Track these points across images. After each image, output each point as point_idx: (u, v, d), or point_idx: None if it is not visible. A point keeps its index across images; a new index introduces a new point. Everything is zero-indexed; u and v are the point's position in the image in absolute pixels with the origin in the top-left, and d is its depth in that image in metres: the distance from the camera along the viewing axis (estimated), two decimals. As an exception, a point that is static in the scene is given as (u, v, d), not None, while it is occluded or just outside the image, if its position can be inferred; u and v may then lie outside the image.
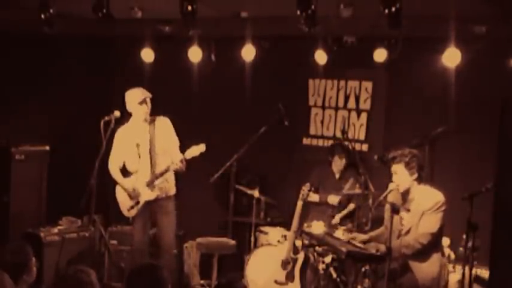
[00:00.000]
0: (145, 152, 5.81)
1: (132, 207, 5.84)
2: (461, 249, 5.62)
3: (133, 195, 5.81)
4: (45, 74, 7.32)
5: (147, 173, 5.81)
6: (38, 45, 6.92)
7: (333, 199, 6.62)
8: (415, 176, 4.81)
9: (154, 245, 6.13)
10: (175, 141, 5.91)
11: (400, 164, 4.81)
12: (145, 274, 3.26)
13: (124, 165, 5.93)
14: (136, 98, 5.76)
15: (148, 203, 5.81)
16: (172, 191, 5.94)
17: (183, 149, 5.80)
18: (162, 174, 5.77)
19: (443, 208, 4.74)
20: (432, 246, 4.76)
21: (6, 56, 6.86)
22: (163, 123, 5.91)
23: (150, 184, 5.78)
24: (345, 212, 6.64)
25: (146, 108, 5.78)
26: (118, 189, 5.95)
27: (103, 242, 6.11)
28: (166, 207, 5.88)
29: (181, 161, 5.63)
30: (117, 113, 5.62)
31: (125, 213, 5.92)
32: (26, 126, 7.04)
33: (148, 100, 5.80)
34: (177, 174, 5.89)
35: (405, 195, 4.87)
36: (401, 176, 4.82)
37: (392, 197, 4.91)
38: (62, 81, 7.49)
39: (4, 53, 6.85)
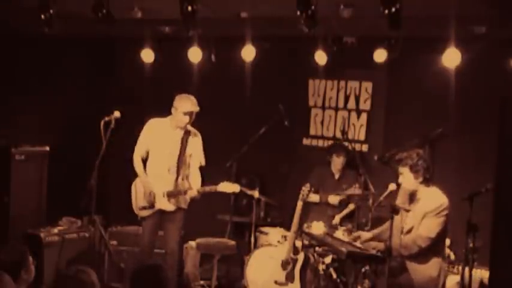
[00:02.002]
0: (173, 160, 5.76)
1: (144, 208, 5.80)
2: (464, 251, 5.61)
3: (150, 198, 5.74)
4: (45, 74, 7.32)
5: (171, 181, 5.75)
6: (38, 45, 6.93)
7: (334, 199, 6.63)
8: (421, 179, 4.79)
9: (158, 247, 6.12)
10: (199, 160, 5.87)
11: (406, 167, 4.80)
12: (149, 274, 3.28)
13: (146, 158, 5.85)
14: (184, 108, 5.65)
15: (161, 211, 5.79)
16: (186, 204, 5.91)
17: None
18: (185, 192, 5.76)
19: (445, 213, 4.71)
20: (431, 250, 4.75)
21: (6, 56, 6.86)
22: (197, 138, 5.86)
23: (171, 196, 5.75)
24: (344, 212, 6.64)
25: (188, 120, 5.68)
26: (137, 183, 5.87)
27: (103, 243, 6.10)
28: (178, 217, 5.86)
29: (198, 192, 5.69)
30: (117, 114, 5.60)
31: (136, 210, 5.88)
32: (26, 126, 7.04)
33: (194, 114, 5.70)
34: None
35: (412, 196, 4.88)
36: (406, 179, 4.82)
37: (399, 197, 4.91)
38: (62, 81, 7.50)
39: (4, 53, 6.85)
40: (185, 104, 5.68)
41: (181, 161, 5.76)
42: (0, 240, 6.12)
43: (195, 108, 5.70)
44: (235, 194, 6.83)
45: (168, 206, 5.77)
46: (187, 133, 5.80)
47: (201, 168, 5.91)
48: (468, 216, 4.84)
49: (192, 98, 5.73)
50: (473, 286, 5.22)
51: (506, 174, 4.65)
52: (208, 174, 6.50)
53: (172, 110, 5.74)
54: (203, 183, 5.86)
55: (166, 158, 5.76)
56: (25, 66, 7.08)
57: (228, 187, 5.74)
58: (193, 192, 5.73)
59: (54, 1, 5.20)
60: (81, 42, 7.37)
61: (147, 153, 5.84)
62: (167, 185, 5.76)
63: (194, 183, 5.79)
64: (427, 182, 4.82)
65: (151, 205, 5.77)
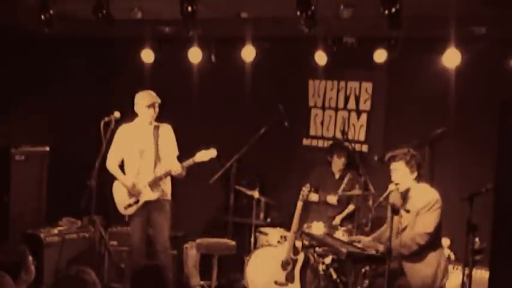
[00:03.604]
0: (149, 154, 5.84)
1: (130, 205, 5.84)
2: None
3: (133, 192, 5.81)
4: (45, 74, 7.32)
5: (149, 175, 5.82)
6: (38, 45, 6.93)
7: (332, 198, 6.62)
8: (415, 174, 4.82)
9: (150, 246, 6.14)
10: (175, 150, 5.96)
11: (401, 161, 4.82)
12: (149, 274, 3.27)
13: (122, 163, 5.95)
14: (145, 101, 5.80)
15: (146, 203, 5.83)
16: (170, 195, 5.97)
17: (187, 151, 5.84)
18: (165, 176, 5.81)
19: (437, 206, 4.72)
20: (429, 246, 4.76)
21: (6, 56, 6.86)
22: (167, 130, 5.96)
23: (153, 185, 5.79)
24: (345, 213, 6.64)
25: (153, 113, 5.83)
26: (116, 185, 5.96)
27: (103, 243, 6.10)
28: (163, 207, 5.90)
29: (182, 168, 5.71)
30: (117, 114, 5.63)
31: (122, 211, 5.92)
32: (26, 127, 7.04)
33: (156, 105, 5.83)
34: (174, 178, 5.94)
35: (405, 194, 4.88)
36: (401, 174, 4.82)
37: (393, 197, 4.91)
38: (62, 82, 7.50)
39: (4, 53, 6.85)
40: (145, 98, 5.82)
41: (156, 153, 5.83)
42: (0, 240, 6.12)
43: (156, 99, 5.83)
44: (235, 195, 6.85)
45: (152, 195, 5.80)
46: (156, 127, 5.90)
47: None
48: (468, 217, 4.84)
49: (151, 91, 5.86)
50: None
51: (506, 174, 4.66)
52: (208, 173, 6.53)
53: (137, 109, 5.85)
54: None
55: (142, 154, 5.84)
56: (25, 66, 7.07)
57: (205, 155, 5.70)
58: (176, 169, 5.71)
59: (54, 1, 5.21)
60: (81, 42, 7.37)
61: (122, 160, 5.93)
62: (147, 178, 5.81)
63: (175, 167, 5.79)
64: (419, 178, 4.84)
65: (136, 200, 5.81)
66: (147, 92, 5.87)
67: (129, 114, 5.89)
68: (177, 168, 5.71)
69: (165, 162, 5.86)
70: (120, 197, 5.92)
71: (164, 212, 5.90)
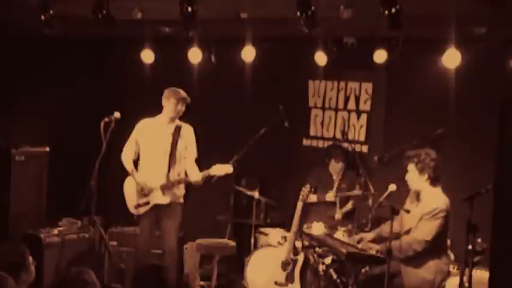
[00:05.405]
0: (165, 154, 5.79)
1: (139, 205, 5.81)
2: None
3: (145, 192, 5.77)
4: (45, 75, 7.33)
5: (162, 175, 5.77)
6: (38, 46, 6.93)
7: (330, 195, 6.59)
8: (426, 177, 4.81)
9: (156, 248, 6.14)
10: (194, 152, 5.93)
11: (412, 164, 4.83)
12: (151, 275, 3.27)
13: (137, 159, 5.92)
14: (178, 95, 5.79)
15: (157, 206, 5.80)
16: (182, 199, 5.94)
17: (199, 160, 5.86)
18: (179, 182, 5.79)
19: (441, 215, 4.71)
20: (428, 253, 4.74)
21: (6, 57, 6.86)
22: (188, 131, 5.92)
23: (165, 189, 5.76)
24: (345, 209, 6.61)
25: (180, 109, 5.80)
26: (127, 182, 5.91)
27: (103, 243, 6.11)
28: (174, 212, 5.86)
29: (202, 178, 5.70)
30: (117, 114, 5.62)
31: (131, 209, 5.89)
32: (26, 127, 7.05)
33: (185, 103, 5.83)
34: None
35: (418, 196, 4.89)
36: (411, 175, 4.85)
37: (409, 196, 4.94)
38: (62, 82, 7.50)
39: (4, 54, 6.85)
40: (179, 92, 5.81)
41: (173, 154, 5.79)
42: (0, 240, 6.12)
43: (187, 98, 5.82)
44: (235, 195, 6.86)
45: (163, 199, 5.76)
46: (178, 127, 5.86)
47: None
48: (468, 217, 4.84)
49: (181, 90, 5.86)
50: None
51: (506, 174, 4.65)
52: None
53: (164, 102, 5.82)
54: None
55: (158, 154, 5.80)
56: (25, 67, 7.09)
57: (220, 169, 5.72)
58: (196, 179, 5.70)
59: (54, 2, 5.21)
60: (81, 43, 7.38)
61: (137, 154, 5.88)
62: (160, 179, 5.77)
63: (193, 174, 5.78)
64: (433, 181, 4.82)
65: (147, 202, 5.78)
66: (177, 89, 5.85)
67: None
68: (197, 178, 5.70)
69: (180, 165, 5.83)
70: (131, 195, 5.87)
71: (174, 217, 5.86)
